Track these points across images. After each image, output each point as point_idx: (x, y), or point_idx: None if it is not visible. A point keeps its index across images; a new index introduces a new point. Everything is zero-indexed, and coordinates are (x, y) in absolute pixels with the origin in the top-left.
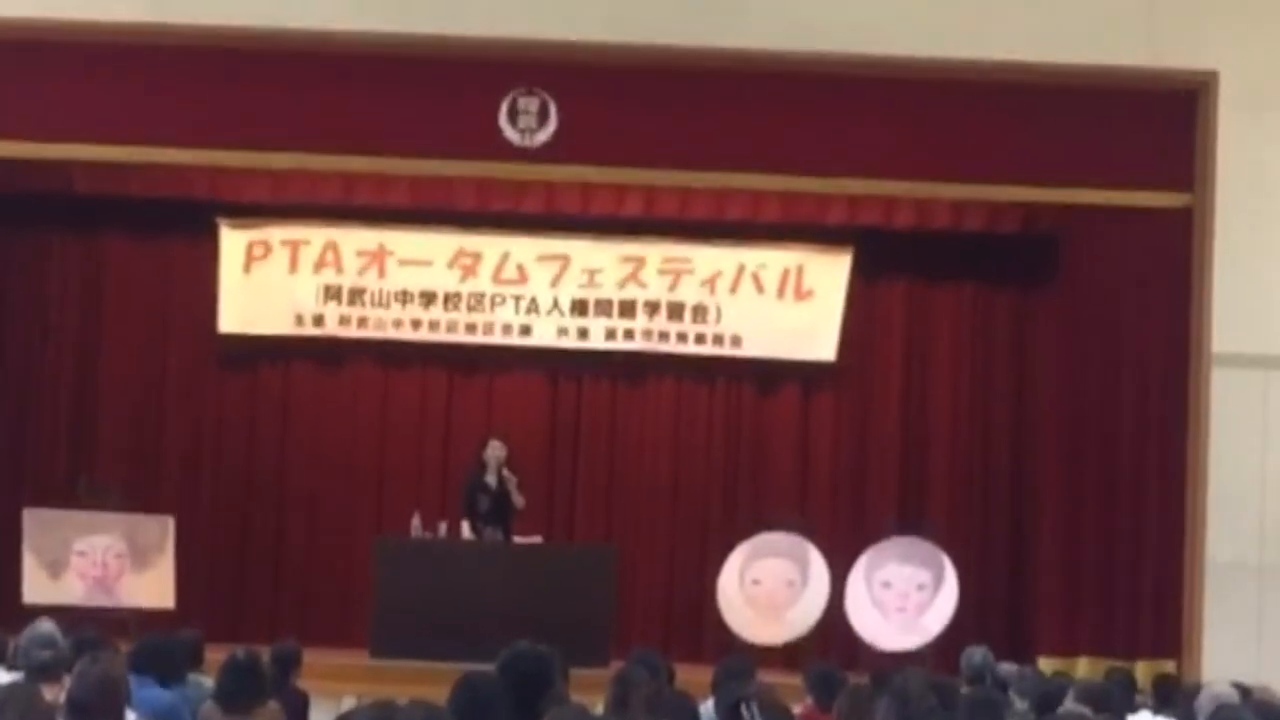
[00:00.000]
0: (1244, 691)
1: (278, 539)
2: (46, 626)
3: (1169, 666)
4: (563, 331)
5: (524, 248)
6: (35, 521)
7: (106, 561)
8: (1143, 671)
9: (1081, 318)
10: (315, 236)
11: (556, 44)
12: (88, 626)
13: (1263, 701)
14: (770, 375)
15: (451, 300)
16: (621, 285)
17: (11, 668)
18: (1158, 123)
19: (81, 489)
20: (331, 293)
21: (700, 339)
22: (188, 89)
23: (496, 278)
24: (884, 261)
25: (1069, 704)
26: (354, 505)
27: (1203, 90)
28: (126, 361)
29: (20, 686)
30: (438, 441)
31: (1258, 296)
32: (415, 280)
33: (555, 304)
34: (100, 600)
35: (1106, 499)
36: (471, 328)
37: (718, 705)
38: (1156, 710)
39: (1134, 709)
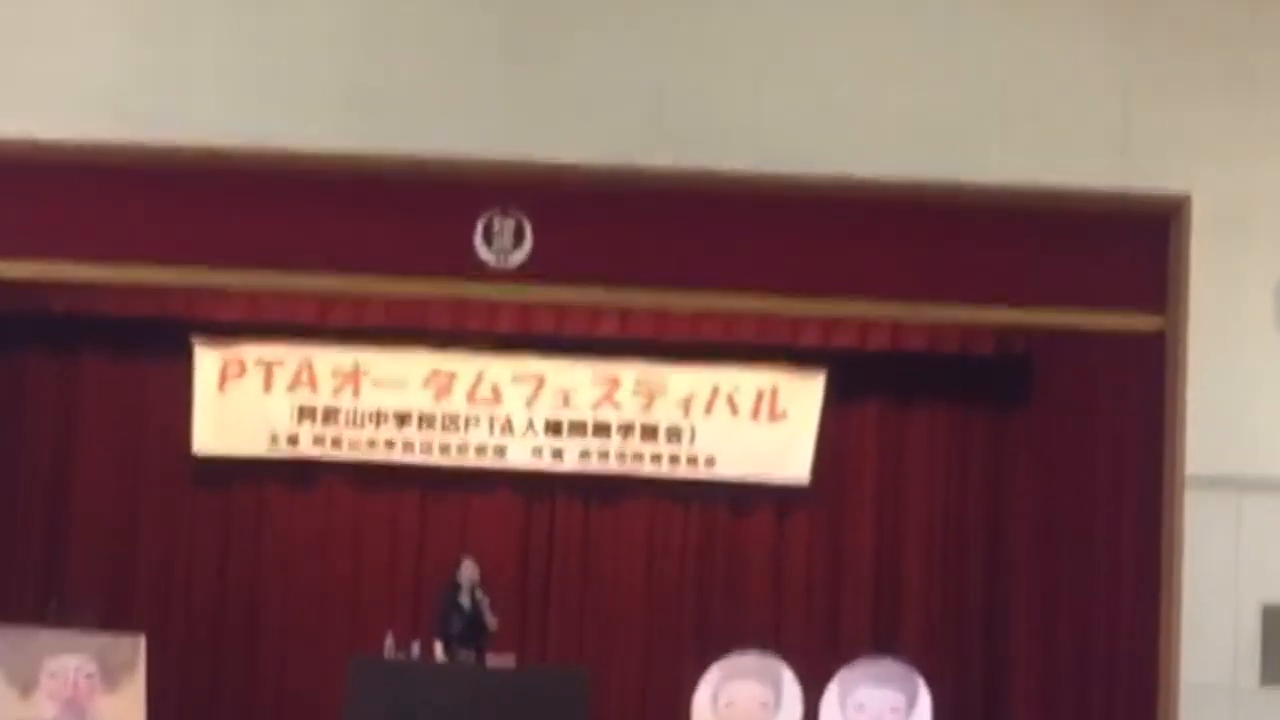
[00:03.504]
0: None
1: (250, 659)
2: None
3: None
4: (537, 452)
5: (498, 368)
6: (5, 641)
7: (77, 681)
8: None
9: (1055, 439)
10: (290, 356)
11: (532, 165)
12: None
13: None
14: (744, 496)
15: (425, 420)
16: (596, 406)
17: None
18: (1131, 245)
19: (52, 612)
20: (306, 413)
21: (674, 460)
22: (163, 208)
23: (471, 398)
24: (857, 383)
25: None
26: (327, 625)
27: (1175, 213)
28: (100, 481)
29: None
30: (411, 562)
31: (1230, 418)
32: (389, 400)
33: (530, 425)
34: None
35: (1080, 620)
36: (445, 448)
37: None
38: None
39: None
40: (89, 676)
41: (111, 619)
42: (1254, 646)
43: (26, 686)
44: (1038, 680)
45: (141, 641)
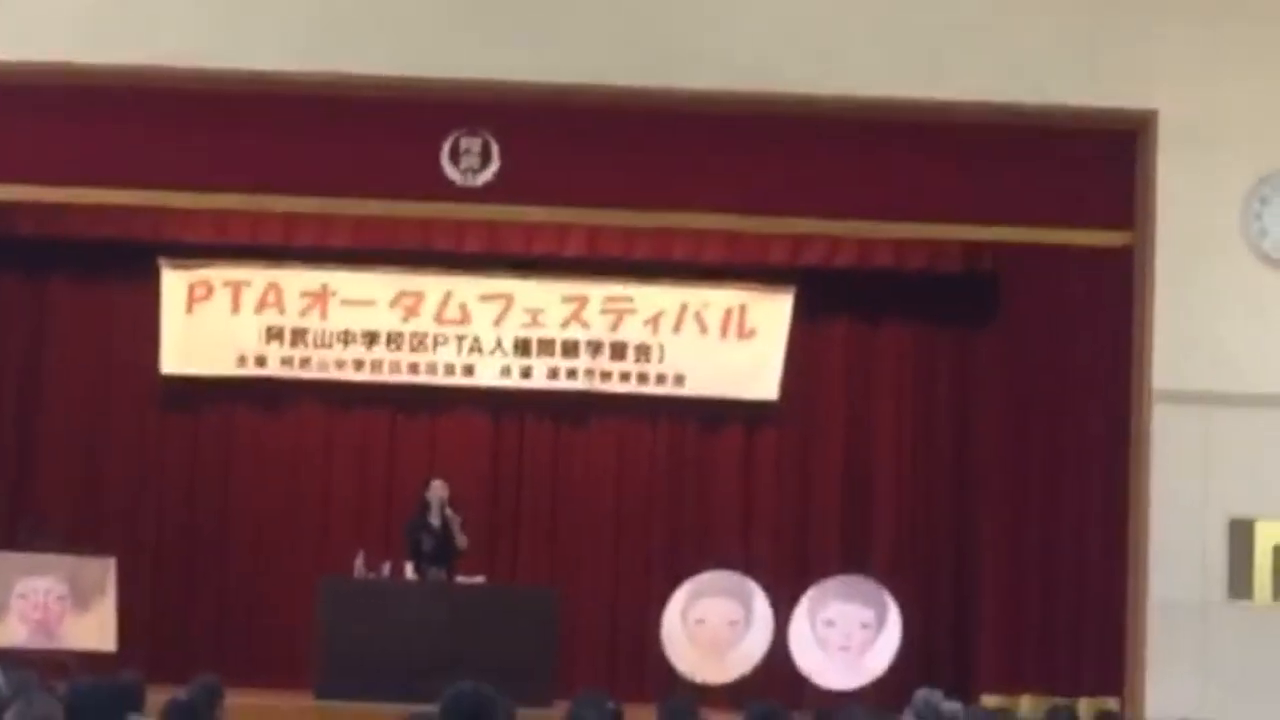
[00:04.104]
0: None
1: (221, 580)
2: None
3: (1112, 704)
4: (505, 371)
5: (466, 287)
6: None
7: (48, 604)
8: (1085, 709)
9: (1023, 356)
10: (257, 277)
11: (498, 84)
12: (25, 670)
13: None
14: (713, 414)
15: (394, 340)
16: (564, 325)
17: None
18: (1098, 161)
19: (24, 533)
20: (274, 333)
21: (643, 378)
22: (131, 130)
23: (439, 318)
24: (826, 301)
25: None
26: (297, 546)
27: (1143, 129)
28: (69, 403)
29: None
30: (380, 482)
31: (1197, 333)
32: (358, 320)
33: (498, 344)
34: (41, 643)
35: (1049, 535)
36: (414, 368)
37: None
38: None
39: None
40: (60, 598)
41: (81, 541)
42: (1222, 560)
43: None
44: (1006, 596)
45: (112, 563)
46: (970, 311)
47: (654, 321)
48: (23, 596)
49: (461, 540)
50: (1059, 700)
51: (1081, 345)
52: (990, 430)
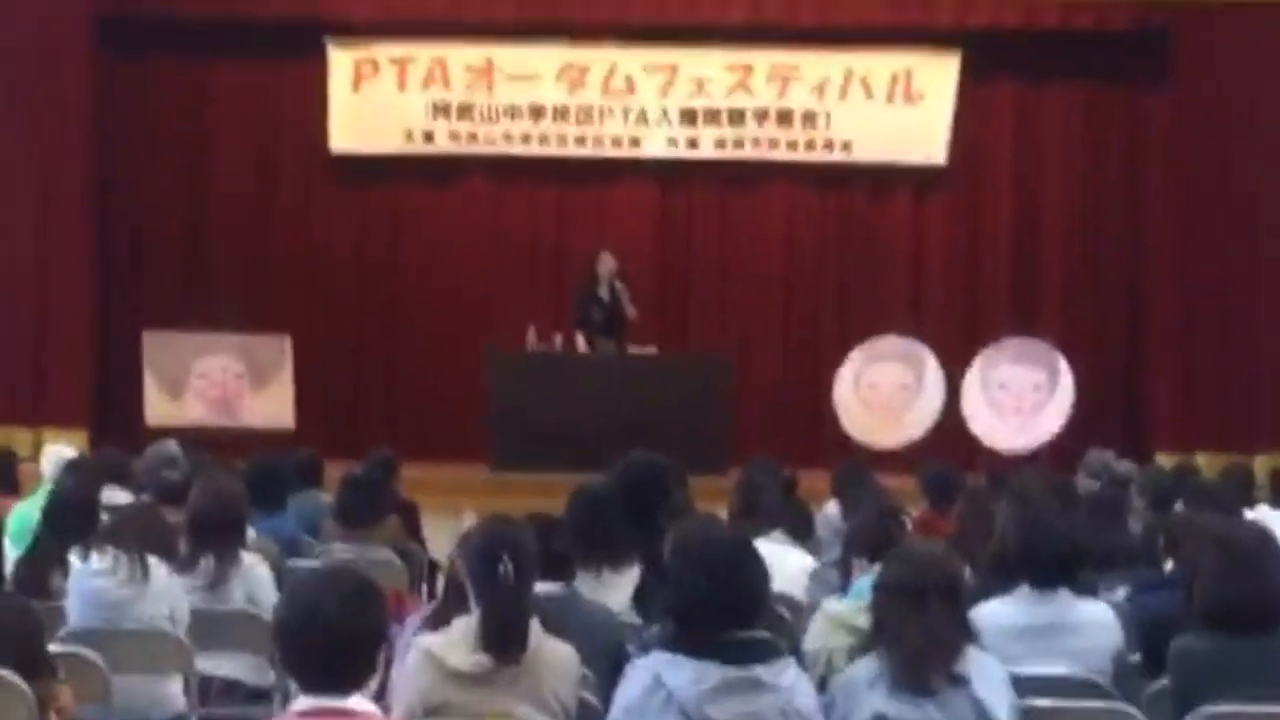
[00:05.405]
0: None
1: (394, 355)
2: (172, 447)
3: None
4: (672, 142)
5: (631, 58)
6: (154, 343)
7: (226, 381)
8: (1262, 464)
9: (1194, 115)
10: (422, 54)
11: None
12: (202, 451)
13: None
14: (881, 180)
15: (560, 113)
16: (730, 94)
17: (137, 489)
18: None
19: (227, 311)
20: (440, 109)
21: (810, 145)
22: None
23: (605, 89)
24: (993, 63)
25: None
26: (468, 320)
27: None
28: (239, 185)
29: (143, 506)
30: (550, 255)
31: None
32: (523, 95)
33: (664, 114)
34: (221, 420)
35: (1222, 292)
36: (581, 140)
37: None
38: (1275, 504)
39: (1251, 504)
40: (238, 376)
41: (255, 318)
42: None
43: (177, 388)
44: (1179, 354)
45: (288, 340)
46: (1139, 71)
47: (820, 88)
48: (201, 376)
49: (631, 311)
50: (1235, 457)
51: (1253, 103)
52: (1161, 190)
